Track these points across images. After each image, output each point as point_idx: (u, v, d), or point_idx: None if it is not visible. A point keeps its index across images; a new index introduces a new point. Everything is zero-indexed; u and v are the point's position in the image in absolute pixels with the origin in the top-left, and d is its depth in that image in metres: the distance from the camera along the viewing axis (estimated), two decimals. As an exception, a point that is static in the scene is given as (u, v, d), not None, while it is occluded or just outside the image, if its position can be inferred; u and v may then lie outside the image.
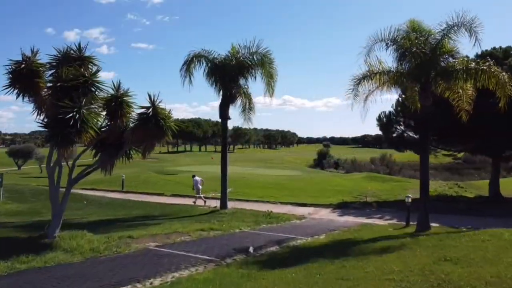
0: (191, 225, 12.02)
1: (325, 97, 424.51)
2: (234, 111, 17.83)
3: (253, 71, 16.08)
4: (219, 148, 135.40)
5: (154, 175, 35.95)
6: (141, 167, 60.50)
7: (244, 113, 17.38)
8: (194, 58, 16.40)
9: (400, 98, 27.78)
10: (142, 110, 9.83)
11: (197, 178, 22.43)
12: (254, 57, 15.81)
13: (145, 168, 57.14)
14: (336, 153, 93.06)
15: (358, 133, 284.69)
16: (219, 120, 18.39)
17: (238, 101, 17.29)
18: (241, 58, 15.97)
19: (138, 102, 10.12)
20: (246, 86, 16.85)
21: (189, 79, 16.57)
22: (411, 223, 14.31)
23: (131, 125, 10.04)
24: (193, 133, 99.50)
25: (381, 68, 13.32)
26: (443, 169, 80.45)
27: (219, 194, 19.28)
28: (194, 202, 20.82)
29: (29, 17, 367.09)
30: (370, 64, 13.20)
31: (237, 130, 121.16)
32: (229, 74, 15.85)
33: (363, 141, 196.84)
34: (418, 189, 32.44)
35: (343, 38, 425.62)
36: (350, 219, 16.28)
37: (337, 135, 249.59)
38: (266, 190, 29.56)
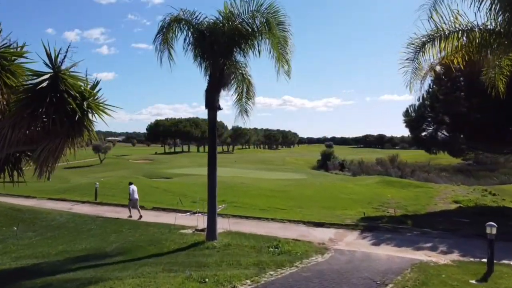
0: (150, 282, 7.01)
1: (325, 97, 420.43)
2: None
3: (256, 41, 11.01)
4: (217, 148, 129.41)
5: (141, 180, 30.85)
6: (131, 169, 55.57)
7: (240, 102, 12.28)
8: (173, 24, 11.35)
9: (430, 90, 22.90)
10: (35, 80, 4.84)
11: (134, 187, 17.88)
12: (256, 21, 10.75)
13: (135, 170, 52.17)
14: (339, 154, 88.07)
15: (359, 133, 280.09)
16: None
17: (233, 86, 12.22)
18: (237, 23, 10.91)
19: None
20: (244, 65, 11.80)
21: (169, 53, 11.52)
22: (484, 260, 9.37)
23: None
24: (190, 133, 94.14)
25: (457, 26, 8.32)
26: (454, 171, 75.44)
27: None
28: (140, 217, 16.63)
29: (29, 17, 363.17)
30: (441, 16, 8.18)
31: (236, 130, 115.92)
32: (220, 46, 10.78)
33: (365, 141, 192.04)
34: (446, 196, 27.16)
35: (343, 38, 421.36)
36: (393, 253, 11.24)
37: (338, 135, 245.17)
38: (269, 199, 24.56)
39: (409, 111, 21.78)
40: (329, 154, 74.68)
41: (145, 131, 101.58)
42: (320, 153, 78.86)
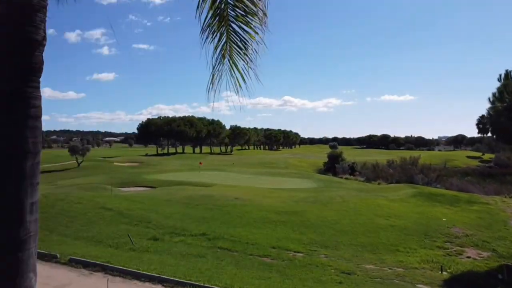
0: None
1: (325, 98, 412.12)
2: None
3: None
4: (215, 149, 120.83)
5: (103, 196, 22.24)
6: (111, 174, 46.99)
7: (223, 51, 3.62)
8: None
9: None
10: None
11: None
12: None
13: (114, 175, 43.55)
14: (345, 155, 79.43)
15: (360, 134, 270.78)
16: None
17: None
18: None
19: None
20: None
21: None
22: None
23: None
24: (185, 132, 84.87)
25: None
26: (476, 174, 66.76)
27: None
28: None
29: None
30: None
31: (235, 129, 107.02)
32: None
33: (368, 142, 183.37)
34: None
35: (343, 38, 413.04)
36: None
37: (338, 135, 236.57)
38: (275, 229, 16.02)
39: (504, 93, 13.15)
40: (337, 156, 65.98)
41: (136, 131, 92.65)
42: (327, 155, 70.26)
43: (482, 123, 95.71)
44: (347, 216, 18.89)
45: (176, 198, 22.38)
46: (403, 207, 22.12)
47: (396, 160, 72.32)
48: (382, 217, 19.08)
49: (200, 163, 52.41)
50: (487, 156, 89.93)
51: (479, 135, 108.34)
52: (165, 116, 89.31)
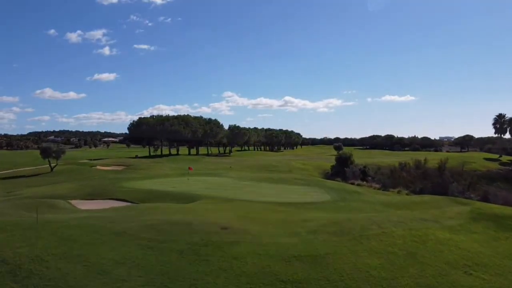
0: None
1: (326, 98, 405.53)
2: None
3: None
4: (213, 150, 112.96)
5: (20, 227, 14.87)
6: (86, 180, 39.64)
7: None
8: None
9: None
10: None
11: None
12: None
13: (88, 183, 36.17)
14: (354, 157, 71.78)
15: (361, 134, 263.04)
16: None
17: None
18: None
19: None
20: None
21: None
22: None
23: None
24: (179, 132, 77.12)
25: None
26: (500, 178, 59.36)
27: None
28: None
29: (31, 18, 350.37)
30: None
31: (234, 129, 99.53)
32: None
33: (372, 142, 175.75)
34: None
35: (344, 38, 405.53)
36: None
37: (339, 135, 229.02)
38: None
39: None
40: (346, 158, 58.52)
41: (127, 132, 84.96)
42: (335, 158, 62.84)
43: (499, 123, 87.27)
44: (403, 268, 11.31)
45: (134, 228, 14.82)
46: (475, 242, 14.52)
47: (409, 163, 64.70)
48: (459, 269, 11.51)
49: (189, 168, 44.84)
50: (505, 158, 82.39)
51: (496, 135, 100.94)
52: (158, 115, 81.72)
